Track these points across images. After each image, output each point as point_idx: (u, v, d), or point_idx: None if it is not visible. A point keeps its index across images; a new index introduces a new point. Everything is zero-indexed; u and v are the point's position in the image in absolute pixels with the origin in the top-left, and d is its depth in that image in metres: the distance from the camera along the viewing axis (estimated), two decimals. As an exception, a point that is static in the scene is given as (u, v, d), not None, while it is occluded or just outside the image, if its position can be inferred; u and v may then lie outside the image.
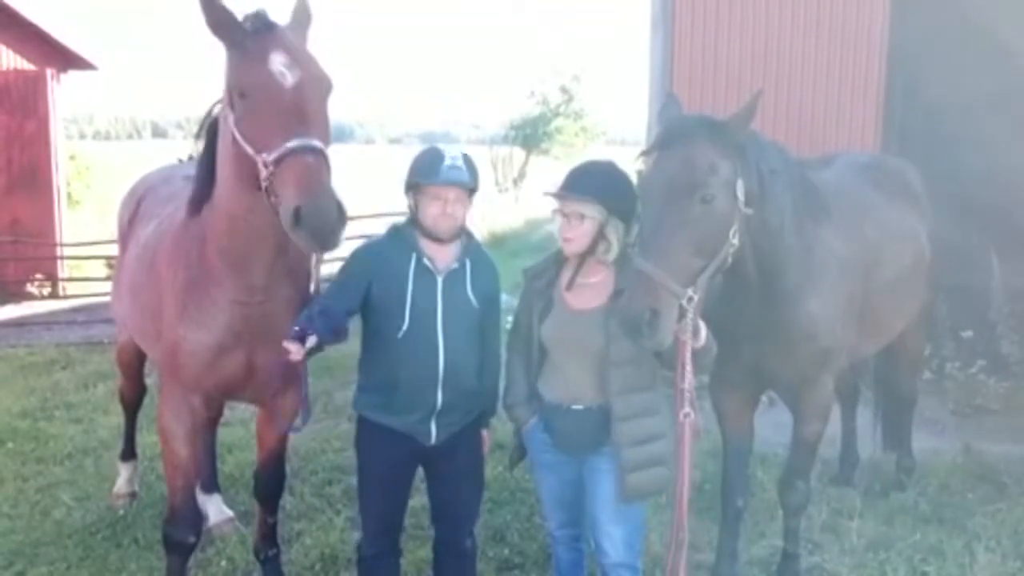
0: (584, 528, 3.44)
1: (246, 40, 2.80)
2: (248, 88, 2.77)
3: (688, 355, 2.94)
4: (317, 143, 2.71)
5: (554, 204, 3.24)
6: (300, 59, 2.84)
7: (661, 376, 3.22)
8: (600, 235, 3.14)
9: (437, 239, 3.23)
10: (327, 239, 2.66)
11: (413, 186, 3.23)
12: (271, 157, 2.68)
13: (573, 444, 3.27)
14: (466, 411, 3.35)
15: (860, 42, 7.50)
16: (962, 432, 6.09)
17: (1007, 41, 6.90)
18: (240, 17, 2.85)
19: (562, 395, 3.25)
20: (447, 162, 3.14)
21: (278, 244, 3.14)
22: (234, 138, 2.84)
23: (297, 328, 2.98)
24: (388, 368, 3.24)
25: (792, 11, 7.48)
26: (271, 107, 2.74)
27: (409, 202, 3.29)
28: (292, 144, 2.67)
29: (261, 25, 2.83)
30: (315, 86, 2.84)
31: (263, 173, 2.71)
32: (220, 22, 2.84)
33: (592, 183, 3.16)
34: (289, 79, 2.76)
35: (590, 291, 3.21)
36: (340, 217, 2.66)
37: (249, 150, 2.77)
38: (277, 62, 2.77)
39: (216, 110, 3.15)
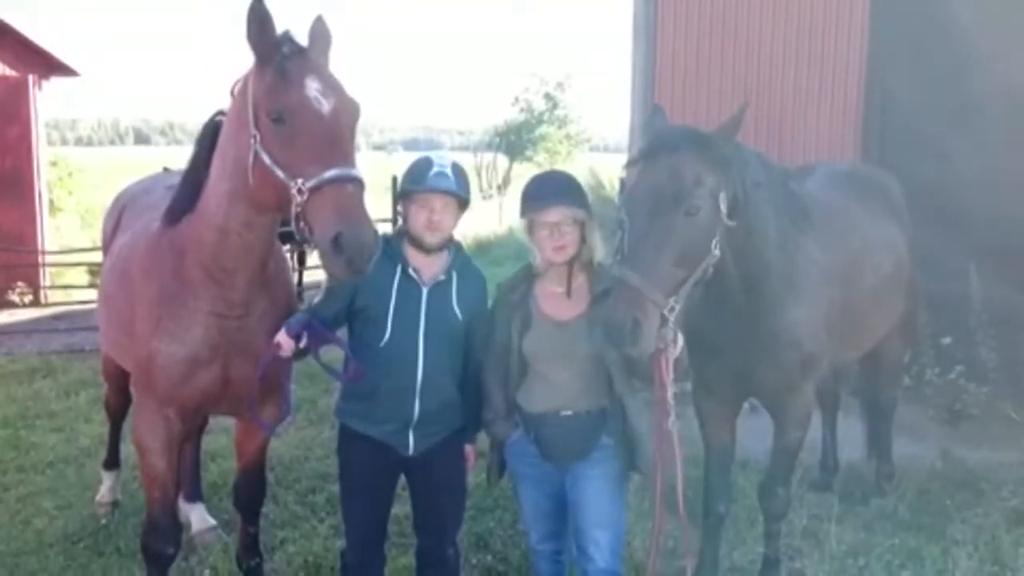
0: (566, 540, 3.45)
1: (283, 62, 2.77)
2: (284, 112, 2.74)
3: (669, 364, 2.97)
4: (356, 172, 2.72)
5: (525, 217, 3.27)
6: (333, 85, 2.84)
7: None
8: (582, 239, 3.19)
9: (423, 248, 3.24)
10: (362, 265, 2.67)
11: (404, 194, 3.26)
12: (308, 184, 2.67)
13: (561, 452, 3.27)
14: (446, 423, 3.35)
15: (839, 51, 7.58)
16: (941, 438, 6.15)
17: (984, 49, 6.98)
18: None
19: (549, 404, 3.24)
20: (435, 169, 3.17)
21: (262, 258, 3.16)
22: (257, 158, 2.81)
23: (295, 326, 3.05)
24: (369, 377, 3.25)
25: (772, 21, 7.55)
26: (308, 133, 2.73)
27: (400, 210, 3.31)
28: (332, 173, 2.67)
29: (295, 48, 2.82)
30: (348, 113, 2.85)
31: (296, 199, 2.70)
32: (265, 41, 2.80)
33: (568, 189, 3.23)
34: (326, 106, 2.76)
35: (568, 300, 3.24)
36: (376, 245, 2.69)
37: (280, 174, 2.75)
38: (314, 88, 2.76)
39: (219, 119, 3.13)
